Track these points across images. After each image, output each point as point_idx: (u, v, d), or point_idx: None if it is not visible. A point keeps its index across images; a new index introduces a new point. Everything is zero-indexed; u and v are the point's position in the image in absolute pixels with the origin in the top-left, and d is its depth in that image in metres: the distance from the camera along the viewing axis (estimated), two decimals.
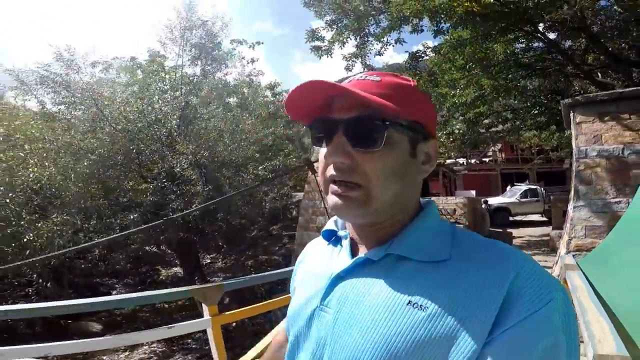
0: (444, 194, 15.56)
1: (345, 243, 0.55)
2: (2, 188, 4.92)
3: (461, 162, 19.64)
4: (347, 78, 0.52)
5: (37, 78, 7.12)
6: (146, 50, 11.17)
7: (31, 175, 5.30)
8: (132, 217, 6.57)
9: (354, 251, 0.54)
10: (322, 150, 0.51)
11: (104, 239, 4.79)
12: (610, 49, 6.78)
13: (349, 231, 0.56)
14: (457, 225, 0.50)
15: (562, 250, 3.70)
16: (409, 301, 0.44)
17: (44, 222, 5.37)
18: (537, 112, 7.76)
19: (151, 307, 8.76)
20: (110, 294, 9.29)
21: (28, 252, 5.06)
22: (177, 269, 11.09)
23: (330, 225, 0.61)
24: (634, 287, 1.71)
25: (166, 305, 8.95)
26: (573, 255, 3.12)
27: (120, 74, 9.17)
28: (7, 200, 4.88)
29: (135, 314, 8.74)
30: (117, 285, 10.57)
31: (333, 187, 0.49)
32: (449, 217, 9.97)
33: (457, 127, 7.91)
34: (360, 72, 0.52)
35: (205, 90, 8.87)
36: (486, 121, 8.45)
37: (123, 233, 4.92)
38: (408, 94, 0.50)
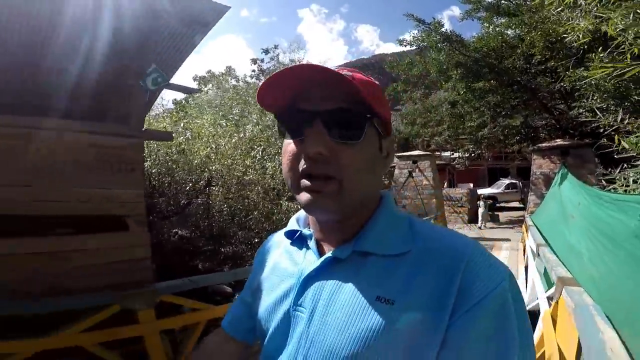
0: (447, 186, 19.96)
1: (312, 243, 0.56)
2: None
3: (455, 155, 23.81)
4: None
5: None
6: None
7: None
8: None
9: (320, 250, 0.55)
10: (287, 142, 0.50)
11: None
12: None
13: (313, 230, 0.57)
14: (411, 214, 0.57)
15: (526, 213, 8.54)
16: (377, 296, 0.46)
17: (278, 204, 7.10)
18: (517, 138, 12.56)
19: None
20: None
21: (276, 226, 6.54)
22: None
23: (292, 224, 0.62)
24: (547, 221, 6.41)
25: None
26: (529, 215, 7.91)
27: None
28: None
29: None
30: None
31: (306, 182, 0.48)
32: (457, 202, 14.79)
33: (471, 146, 12.74)
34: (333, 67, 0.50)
35: None
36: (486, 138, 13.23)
37: None
38: (377, 92, 0.51)
